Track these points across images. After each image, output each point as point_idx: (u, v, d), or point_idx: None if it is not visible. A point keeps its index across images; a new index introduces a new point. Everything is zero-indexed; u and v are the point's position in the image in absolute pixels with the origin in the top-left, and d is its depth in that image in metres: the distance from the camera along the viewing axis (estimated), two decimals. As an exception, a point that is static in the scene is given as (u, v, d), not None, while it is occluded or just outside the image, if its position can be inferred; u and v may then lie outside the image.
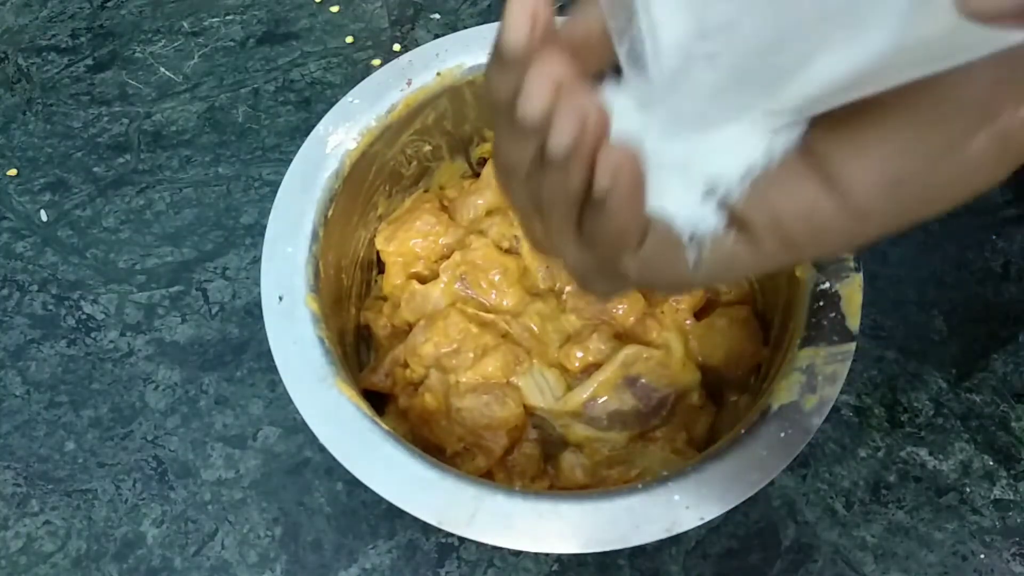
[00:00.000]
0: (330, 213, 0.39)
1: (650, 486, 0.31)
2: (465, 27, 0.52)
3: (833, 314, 0.34)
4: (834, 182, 0.20)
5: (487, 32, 0.42)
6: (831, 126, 0.20)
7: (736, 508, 0.31)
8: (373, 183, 0.42)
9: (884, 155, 0.20)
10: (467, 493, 0.31)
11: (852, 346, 0.33)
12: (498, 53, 0.21)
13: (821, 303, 0.35)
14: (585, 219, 0.22)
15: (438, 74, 0.41)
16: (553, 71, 0.20)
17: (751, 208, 0.21)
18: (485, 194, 0.44)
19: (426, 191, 0.46)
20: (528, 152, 0.21)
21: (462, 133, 0.45)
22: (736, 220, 0.21)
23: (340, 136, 0.40)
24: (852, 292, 0.35)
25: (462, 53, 0.41)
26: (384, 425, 0.33)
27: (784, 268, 0.30)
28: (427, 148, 0.44)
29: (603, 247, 0.22)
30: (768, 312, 0.41)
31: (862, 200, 0.20)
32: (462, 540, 0.41)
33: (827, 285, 0.35)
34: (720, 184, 0.20)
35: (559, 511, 0.31)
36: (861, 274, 0.35)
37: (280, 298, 0.36)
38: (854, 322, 0.34)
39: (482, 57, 0.42)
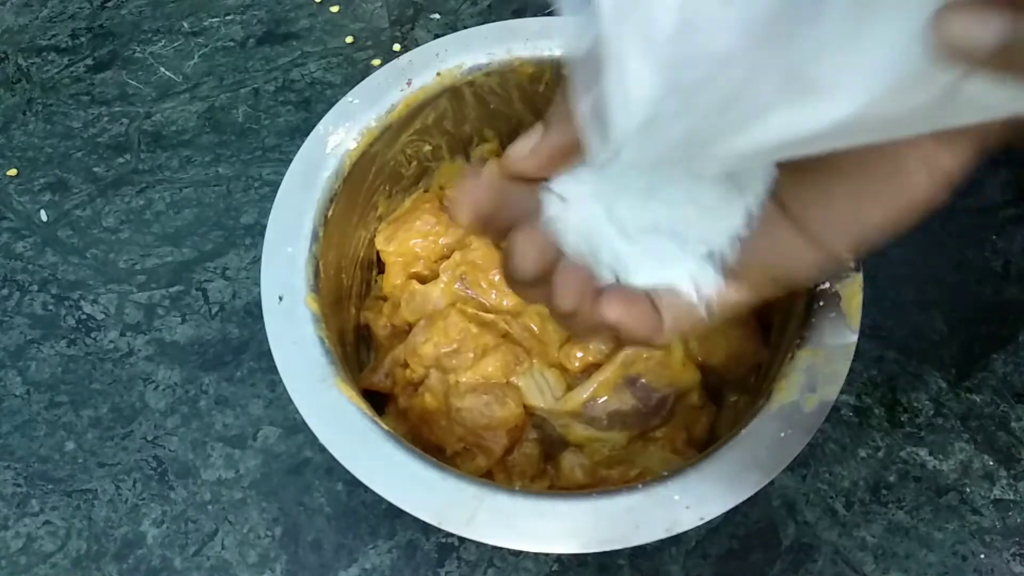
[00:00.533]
0: (330, 213, 0.39)
1: (650, 486, 0.31)
2: (465, 27, 0.52)
3: (833, 314, 0.34)
4: (809, 233, 0.24)
5: (487, 32, 0.42)
6: (799, 179, 0.24)
7: (736, 508, 0.31)
8: (373, 183, 0.42)
9: (847, 207, 0.24)
10: (467, 493, 0.31)
11: (852, 346, 0.33)
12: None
13: (821, 303, 0.35)
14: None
15: (438, 74, 0.41)
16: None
17: (743, 264, 0.25)
18: None
19: (426, 191, 0.46)
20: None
21: (462, 133, 0.45)
22: (731, 273, 0.25)
23: (340, 136, 0.40)
24: (852, 292, 0.35)
25: (462, 53, 0.41)
26: (384, 425, 0.33)
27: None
28: (427, 148, 0.44)
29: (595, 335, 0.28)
30: (768, 312, 0.41)
31: (831, 244, 0.24)
32: (462, 540, 0.41)
33: (827, 285, 0.35)
34: (715, 248, 0.24)
35: (559, 511, 0.31)
36: (861, 274, 0.35)
37: (280, 298, 0.36)
38: (854, 322, 0.34)
39: (482, 57, 0.42)
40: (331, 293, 0.39)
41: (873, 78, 0.17)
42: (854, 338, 0.34)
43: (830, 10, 0.16)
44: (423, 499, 0.31)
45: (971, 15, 0.15)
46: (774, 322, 0.39)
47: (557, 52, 0.41)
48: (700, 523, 0.30)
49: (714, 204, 0.24)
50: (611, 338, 0.27)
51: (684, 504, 0.31)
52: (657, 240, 0.24)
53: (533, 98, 0.43)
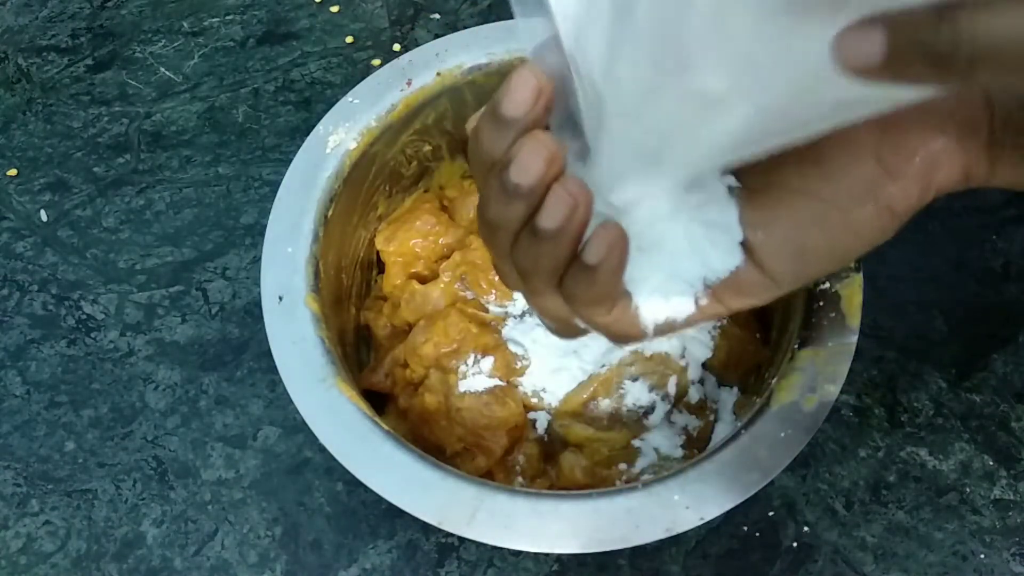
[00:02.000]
0: (330, 213, 0.39)
1: (650, 486, 0.31)
2: (465, 27, 0.52)
3: (833, 314, 0.34)
4: (752, 253, 0.25)
5: (487, 32, 0.42)
6: (749, 203, 0.25)
7: (736, 508, 0.31)
8: (373, 183, 0.42)
9: (791, 230, 0.24)
10: (467, 493, 0.31)
11: (852, 346, 0.33)
12: (496, 112, 0.23)
13: (821, 303, 0.35)
14: (566, 280, 0.25)
15: (438, 74, 0.41)
16: (548, 145, 0.22)
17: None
18: None
19: (426, 191, 0.46)
20: (514, 213, 0.24)
21: (462, 133, 0.45)
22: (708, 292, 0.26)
23: (340, 136, 0.40)
24: (852, 292, 0.35)
25: (462, 53, 0.41)
26: (384, 425, 0.33)
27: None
28: (427, 148, 0.44)
29: (579, 305, 0.25)
30: (768, 313, 0.41)
31: (775, 267, 0.25)
32: (462, 540, 0.41)
33: (827, 285, 0.35)
34: (697, 282, 0.25)
35: (559, 511, 0.31)
36: (861, 274, 0.35)
37: (280, 298, 0.36)
38: (854, 322, 0.34)
39: (482, 57, 0.42)
40: (331, 293, 0.39)
41: (769, 87, 0.19)
42: (854, 338, 0.34)
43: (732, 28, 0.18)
44: (423, 499, 0.31)
45: (857, 32, 0.17)
46: (774, 322, 0.39)
47: None
48: (700, 523, 0.30)
49: (705, 242, 0.25)
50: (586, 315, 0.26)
51: (684, 504, 0.31)
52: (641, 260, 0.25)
53: None
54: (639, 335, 0.26)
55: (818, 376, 0.33)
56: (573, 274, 0.24)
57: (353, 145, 0.40)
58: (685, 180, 0.24)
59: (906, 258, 0.47)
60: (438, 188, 0.47)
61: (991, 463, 0.42)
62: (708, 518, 0.31)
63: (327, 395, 0.34)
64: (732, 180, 0.25)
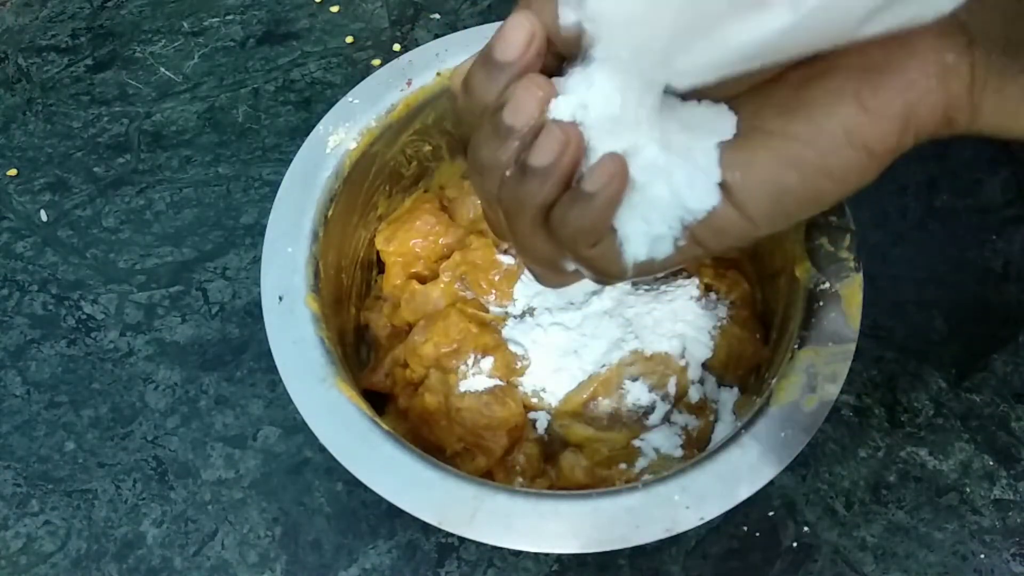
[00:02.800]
0: (330, 213, 0.39)
1: (650, 486, 0.31)
2: (465, 27, 0.52)
3: (833, 314, 0.34)
4: (730, 194, 0.25)
5: (488, 32, 0.42)
6: (728, 147, 0.25)
7: (736, 508, 0.31)
8: (373, 183, 0.42)
9: (768, 171, 0.24)
10: (467, 493, 0.31)
11: (852, 346, 0.33)
12: (489, 57, 0.24)
13: (821, 303, 0.35)
14: (554, 215, 0.25)
15: (438, 74, 0.41)
16: (541, 87, 0.23)
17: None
18: None
19: (426, 191, 0.46)
20: (505, 154, 0.24)
21: (462, 134, 0.45)
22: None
23: (340, 136, 0.40)
24: (852, 292, 0.35)
25: (462, 53, 0.41)
26: (384, 425, 0.33)
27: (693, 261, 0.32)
28: (427, 148, 0.44)
29: (568, 241, 0.26)
30: (768, 313, 0.41)
31: (752, 208, 0.25)
32: (462, 540, 0.41)
33: (827, 285, 0.35)
34: (676, 223, 0.25)
35: (559, 511, 0.31)
36: (861, 274, 0.35)
37: (280, 298, 0.36)
38: (854, 322, 0.34)
39: None
40: (331, 293, 0.39)
41: None
42: (854, 338, 0.34)
43: None
44: (423, 499, 0.31)
45: None
46: (774, 322, 0.39)
47: None
48: (700, 523, 0.30)
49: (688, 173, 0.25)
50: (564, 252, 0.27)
51: (684, 504, 0.31)
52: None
53: None
54: (620, 272, 0.26)
55: (818, 376, 0.33)
56: (567, 203, 0.25)
57: (353, 145, 0.40)
58: (686, 88, 0.24)
59: (906, 258, 0.47)
60: (438, 188, 0.47)
61: (991, 463, 0.42)
62: (708, 518, 0.31)
63: (327, 395, 0.34)
64: (725, 109, 0.25)
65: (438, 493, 0.31)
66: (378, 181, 0.43)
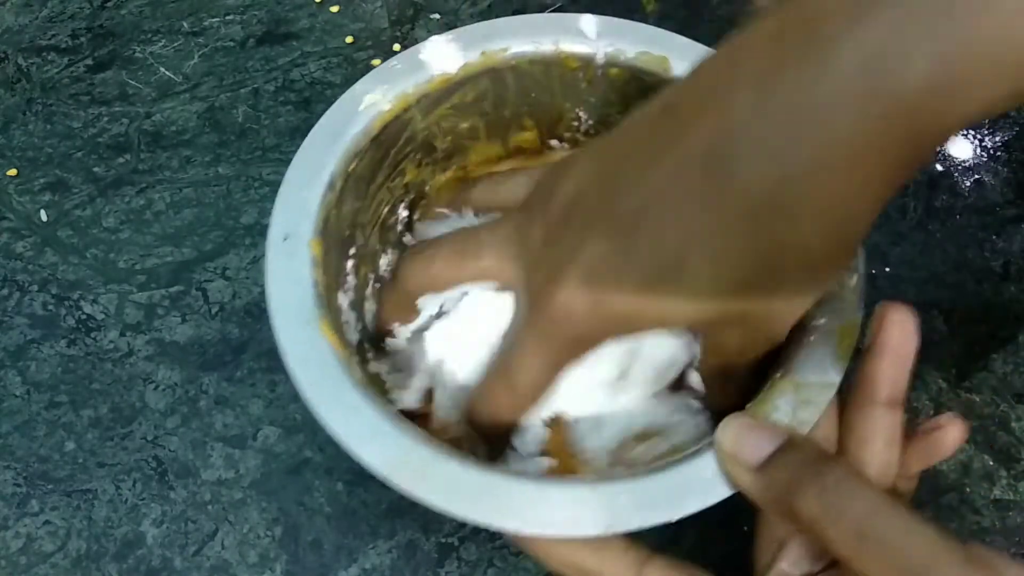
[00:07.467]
0: (352, 168, 0.39)
1: (599, 483, 0.30)
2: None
3: (821, 350, 0.33)
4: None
5: (537, 21, 0.42)
6: None
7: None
8: (402, 149, 0.42)
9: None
10: (422, 453, 0.31)
11: (835, 385, 0.32)
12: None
13: (812, 338, 0.34)
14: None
15: (483, 53, 0.41)
16: None
17: None
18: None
19: (462, 167, 0.46)
20: None
21: (501, 117, 0.44)
22: None
23: (376, 96, 0.40)
24: (847, 332, 0.34)
25: (510, 38, 0.41)
26: (358, 373, 0.33)
27: None
28: (464, 126, 0.44)
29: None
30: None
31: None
32: (462, 540, 0.41)
33: (823, 321, 0.34)
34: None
35: (507, 488, 0.30)
36: (861, 317, 0.34)
37: (285, 237, 0.36)
38: (842, 363, 0.33)
39: (528, 45, 0.41)
40: (338, 243, 0.39)
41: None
42: (838, 378, 0.33)
43: None
44: (378, 452, 0.30)
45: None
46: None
47: (606, 50, 0.41)
48: (640, 528, 0.29)
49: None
50: None
51: (629, 505, 0.30)
52: None
53: (576, 93, 0.43)
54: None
55: (794, 410, 0.32)
56: None
57: (387, 107, 0.40)
58: None
59: (906, 258, 0.47)
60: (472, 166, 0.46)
61: (991, 463, 0.42)
62: (647, 525, 0.30)
63: (309, 336, 0.33)
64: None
65: (392, 449, 0.31)
66: (409, 148, 0.42)
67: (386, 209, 0.43)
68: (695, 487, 0.30)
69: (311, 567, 0.41)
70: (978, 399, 0.43)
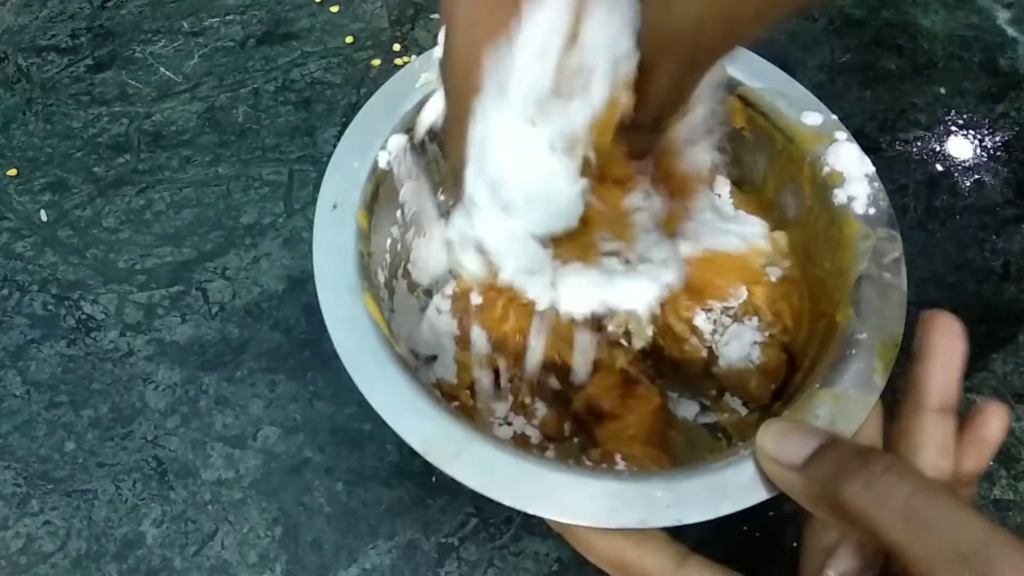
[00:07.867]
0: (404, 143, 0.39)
1: (634, 478, 0.30)
2: (465, 27, 0.51)
3: (862, 364, 0.34)
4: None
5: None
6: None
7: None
8: None
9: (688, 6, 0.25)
10: (458, 433, 0.31)
11: (874, 398, 0.32)
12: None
13: (853, 351, 0.34)
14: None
15: None
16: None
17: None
18: None
19: None
20: None
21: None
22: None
23: (432, 76, 0.40)
24: (887, 348, 0.34)
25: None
26: (399, 349, 0.33)
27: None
28: None
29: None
30: (799, 356, 0.40)
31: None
32: (462, 540, 0.41)
33: (864, 336, 0.34)
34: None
35: (540, 475, 0.30)
36: (901, 335, 0.34)
37: (335, 206, 0.36)
38: (880, 377, 0.33)
39: None
40: (387, 216, 0.39)
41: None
42: (878, 391, 0.33)
43: None
44: (414, 426, 0.31)
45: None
46: (802, 364, 0.38)
47: None
48: (677, 524, 0.29)
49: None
50: None
51: (665, 502, 0.30)
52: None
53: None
54: None
55: (834, 420, 0.32)
56: None
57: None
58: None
59: (906, 258, 0.47)
60: None
61: (991, 463, 0.42)
62: (686, 521, 0.30)
63: (352, 307, 0.33)
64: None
65: (429, 425, 0.31)
66: None
67: (435, 189, 0.43)
68: (732, 490, 0.30)
69: (311, 567, 0.41)
70: (978, 399, 0.43)
